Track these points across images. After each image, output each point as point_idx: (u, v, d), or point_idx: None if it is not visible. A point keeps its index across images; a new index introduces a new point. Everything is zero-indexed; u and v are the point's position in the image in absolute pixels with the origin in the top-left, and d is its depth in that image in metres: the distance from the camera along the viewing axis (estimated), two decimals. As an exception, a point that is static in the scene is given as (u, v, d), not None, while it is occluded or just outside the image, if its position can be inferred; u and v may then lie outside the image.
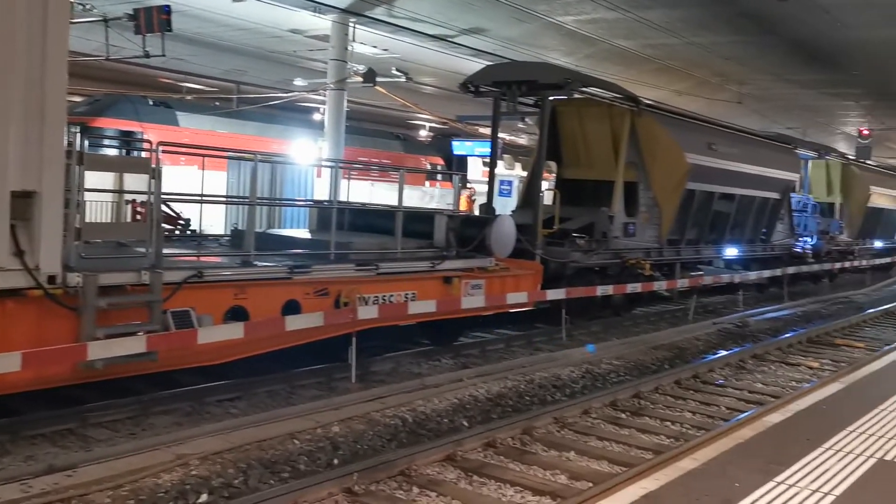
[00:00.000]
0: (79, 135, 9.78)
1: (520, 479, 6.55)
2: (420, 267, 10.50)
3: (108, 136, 16.60)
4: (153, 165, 7.43)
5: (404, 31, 20.12)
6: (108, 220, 11.53)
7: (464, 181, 22.50)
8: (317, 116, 23.35)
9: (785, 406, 7.58)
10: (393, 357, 10.58)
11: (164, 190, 7.79)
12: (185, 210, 12.25)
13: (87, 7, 14.93)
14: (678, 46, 22.66)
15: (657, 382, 10.04)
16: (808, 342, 13.95)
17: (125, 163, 11.91)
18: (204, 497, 5.89)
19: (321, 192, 18.29)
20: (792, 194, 21.39)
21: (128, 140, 16.15)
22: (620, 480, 5.81)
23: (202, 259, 8.94)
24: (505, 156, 32.06)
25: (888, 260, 28.68)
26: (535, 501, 6.16)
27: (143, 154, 10.69)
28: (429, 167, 25.37)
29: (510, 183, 24.56)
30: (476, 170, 29.07)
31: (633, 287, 13.99)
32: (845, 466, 5.76)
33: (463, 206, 24.15)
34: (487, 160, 18.84)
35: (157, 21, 13.70)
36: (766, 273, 19.12)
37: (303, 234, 11.98)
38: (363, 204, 13.61)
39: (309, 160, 17.35)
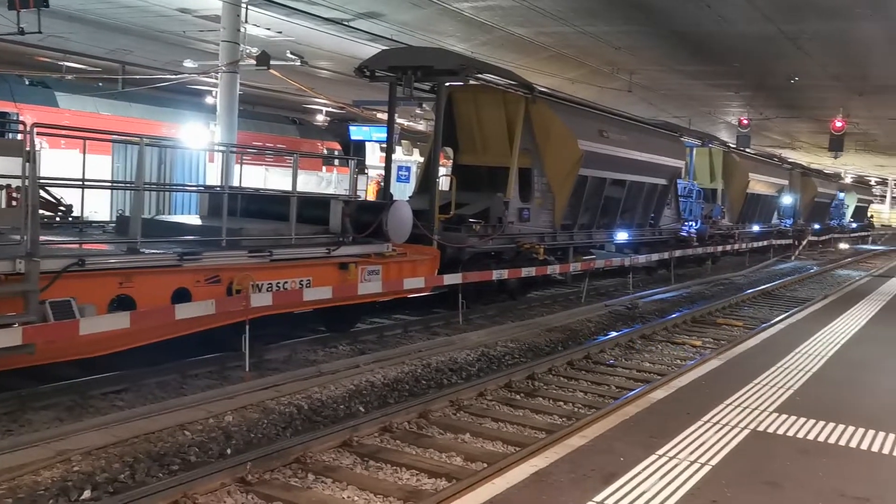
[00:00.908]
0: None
1: (416, 463, 6.60)
2: (315, 253, 10.37)
3: (-21, 117, 15.59)
4: (27, 148, 7.03)
5: (299, 14, 19.74)
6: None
7: (361, 167, 22.38)
8: (209, 100, 22.65)
9: (668, 383, 7.93)
10: (288, 345, 10.44)
11: (42, 174, 7.39)
12: (68, 196, 11.67)
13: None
14: (571, 35, 23.13)
15: (551, 364, 10.30)
16: (693, 322, 14.61)
17: (-4, 145, 11.21)
18: (87, 493, 5.67)
19: (213, 178, 17.80)
20: (678, 180, 22.25)
21: (1, 121, 15.21)
22: (513, 460, 5.93)
23: (85, 247, 8.55)
24: (403, 141, 31.99)
25: (765, 243, 30.33)
26: (430, 483, 6.22)
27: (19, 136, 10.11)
28: (326, 152, 25.05)
29: (408, 169, 24.56)
30: (374, 155, 28.92)
31: (528, 271, 14.29)
32: (721, 438, 6.09)
33: (371, 193, 24.08)
34: (385, 145, 18.77)
35: (32, -5, 12.91)
36: (655, 256, 19.87)
37: (193, 220, 11.62)
38: (256, 189, 13.32)
39: (200, 144, 16.80)
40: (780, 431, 6.37)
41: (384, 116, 16.16)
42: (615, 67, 27.29)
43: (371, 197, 23.27)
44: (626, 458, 5.49)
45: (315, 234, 10.87)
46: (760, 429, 6.41)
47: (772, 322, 13.03)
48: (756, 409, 7.00)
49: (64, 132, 12.13)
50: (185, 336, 8.52)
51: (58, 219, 10.89)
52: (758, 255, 30.08)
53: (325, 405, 8.12)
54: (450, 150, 16.73)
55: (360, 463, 6.62)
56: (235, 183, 13.24)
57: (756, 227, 30.31)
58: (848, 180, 60.46)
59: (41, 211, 8.86)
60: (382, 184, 20.22)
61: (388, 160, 15.19)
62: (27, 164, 7.03)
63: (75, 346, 7.26)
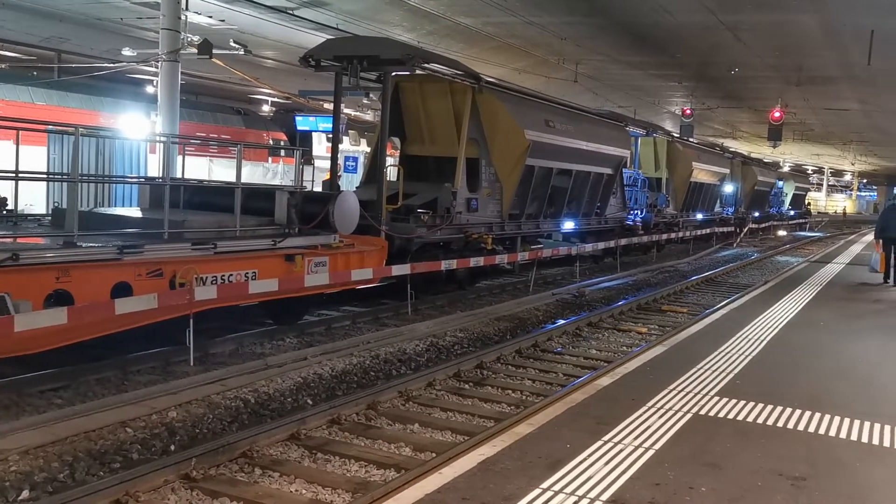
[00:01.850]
0: None
1: (364, 454, 6.58)
2: (261, 245, 10.23)
3: None
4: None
5: (242, 2, 19.42)
6: None
7: (307, 157, 22.12)
8: (149, 89, 22.15)
9: (614, 370, 8.04)
10: (235, 338, 10.29)
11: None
12: (1, 189, 11.29)
13: None
14: (517, 25, 23.23)
15: (499, 352, 10.35)
16: (638, 309, 14.84)
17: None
18: (25, 493, 5.52)
19: (155, 169, 17.43)
20: (623, 170, 22.55)
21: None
22: (461, 450, 5.95)
23: (19, 240, 8.28)
24: (350, 131, 31.75)
25: (708, 231, 30.97)
26: (379, 475, 6.20)
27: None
28: (272, 143, 24.73)
29: (355, 159, 24.40)
30: (321, 146, 28.65)
31: (476, 261, 14.32)
32: (665, 422, 6.20)
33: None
34: (331, 135, 18.59)
35: (-40, -19, 12.44)
36: (601, 245, 20.12)
37: (134, 213, 11.37)
38: (200, 181, 13.08)
39: (140, 135, 16.42)
40: (722, 414, 6.52)
41: (331, 106, 16.01)
42: (561, 58, 27.52)
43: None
44: (573, 445, 5.55)
45: (260, 226, 10.72)
46: (702, 413, 6.54)
47: (715, 308, 13.31)
48: (698, 393, 7.14)
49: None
50: (127, 331, 8.33)
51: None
52: (701, 242, 30.70)
53: (272, 398, 8.03)
54: (397, 141, 16.67)
55: (308, 456, 6.57)
56: (178, 174, 12.97)
57: (699, 216, 30.92)
58: (786, 169, 62.07)
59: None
60: (340, 173, 19.98)
61: (335, 150, 15.05)
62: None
63: (10, 343, 7.02)
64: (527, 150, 15.87)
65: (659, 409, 6.57)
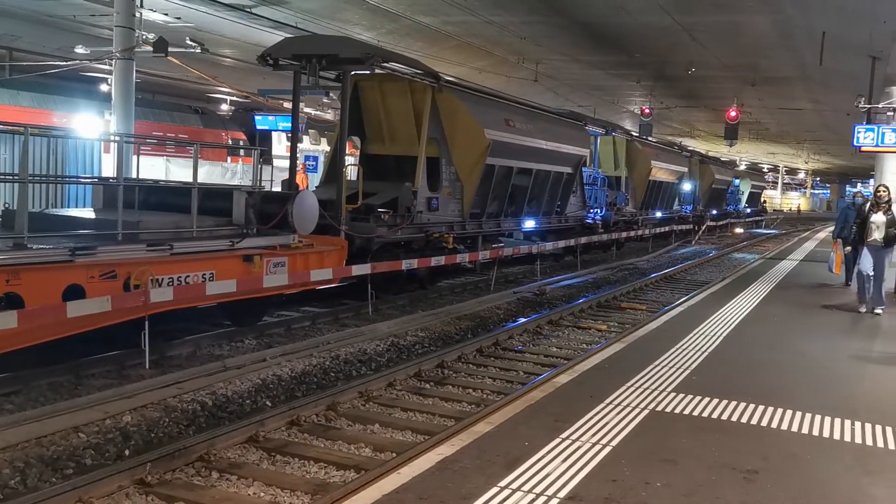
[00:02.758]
0: None
1: (324, 455, 6.54)
2: (218, 246, 10.11)
3: None
4: None
5: (198, -1, 19.18)
6: None
7: (266, 157, 21.93)
8: (104, 87, 21.74)
9: (573, 367, 8.10)
10: (192, 340, 10.15)
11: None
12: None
13: None
14: (477, 24, 23.27)
15: (460, 351, 10.36)
16: (598, 307, 14.97)
17: None
18: (-27, 503, 5.38)
19: (109, 169, 17.13)
20: (583, 168, 22.74)
21: None
22: (419, 449, 5.95)
23: (-33, 243, 8.07)
24: (310, 131, 31.53)
25: (667, 228, 31.37)
26: (338, 476, 6.17)
27: None
28: (230, 142, 24.45)
29: (315, 158, 24.24)
30: (280, 145, 28.42)
31: (437, 260, 14.33)
32: (622, 419, 6.26)
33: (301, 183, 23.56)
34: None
35: None
36: (562, 243, 20.27)
37: (87, 213, 11.15)
38: (156, 181, 12.88)
39: (94, 134, 16.11)
40: (678, 410, 6.60)
41: (290, 105, 15.87)
42: (521, 57, 27.64)
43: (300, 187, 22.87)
44: (531, 443, 5.58)
45: (218, 227, 10.59)
46: (659, 409, 6.62)
47: (673, 305, 13.49)
48: (656, 389, 7.23)
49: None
50: (81, 334, 8.17)
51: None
52: (660, 240, 31.08)
53: (230, 401, 7.95)
54: (357, 140, 16.60)
55: (266, 458, 6.51)
56: (133, 174, 12.76)
57: (658, 214, 31.31)
58: (743, 167, 63.14)
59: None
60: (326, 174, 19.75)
61: (294, 150, 14.92)
62: None
63: (-42, 348, 6.86)
64: (487, 150, 15.91)
65: (617, 405, 6.64)
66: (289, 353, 9.88)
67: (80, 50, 19.73)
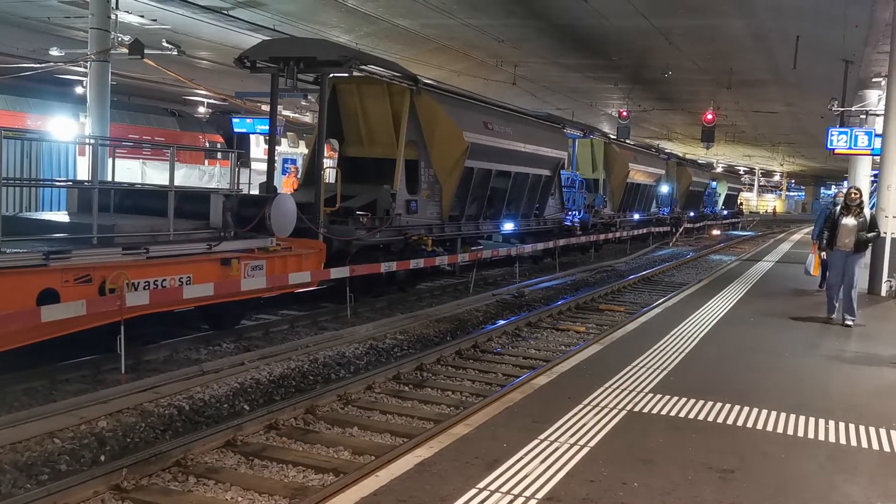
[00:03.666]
0: None
1: (302, 459, 6.51)
2: (195, 249, 10.04)
3: None
4: None
5: (174, 1, 19.03)
6: None
7: (243, 160, 21.82)
8: (79, 90, 21.53)
9: (551, 369, 8.13)
10: (169, 344, 10.06)
11: None
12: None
13: None
14: (455, 27, 23.33)
15: (439, 354, 10.36)
16: (577, 308, 15.04)
17: None
18: (-55, 511, 5.30)
19: (84, 172, 16.95)
20: (562, 171, 22.83)
21: None
22: (398, 452, 5.94)
23: (-62, 247, 7.96)
24: (289, 133, 31.43)
25: (645, 231, 31.57)
26: (317, 479, 6.15)
27: None
28: (207, 145, 24.30)
29: (294, 161, 24.16)
30: (258, 148, 28.30)
31: (416, 263, 14.32)
32: (600, 420, 6.29)
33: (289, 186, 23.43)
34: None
35: None
36: (540, 246, 20.33)
37: (62, 217, 11.03)
38: (131, 184, 12.76)
39: (69, 137, 15.95)
40: (655, 411, 6.65)
41: (268, 108, 15.80)
42: (499, 60, 27.74)
43: (288, 190, 22.74)
44: (509, 444, 5.59)
45: (195, 230, 10.52)
46: (637, 409, 6.66)
47: (651, 306, 13.57)
48: (633, 390, 7.27)
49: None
50: (55, 339, 8.07)
51: None
52: (638, 242, 31.28)
53: (208, 405, 7.89)
54: (335, 142, 16.56)
55: (244, 462, 6.47)
56: (109, 177, 12.64)
57: (636, 216, 31.49)
58: (720, 170, 63.74)
59: None
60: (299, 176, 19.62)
61: (272, 152, 14.87)
62: None
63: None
64: (466, 152, 15.94)
65: (595, 406, 6.67)
66: (267, 356, 9.83)
67: (54, 52, 19.52)
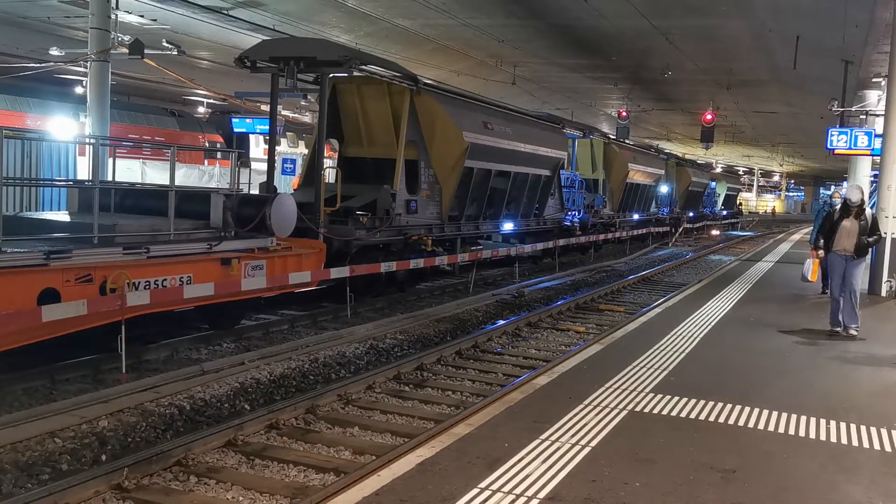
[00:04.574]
0: None
1: (303, 459, 6.51)
2: (196, 249, 10.04)
3: None
4: None
5: (174, 1, 19.04)
6: None
7: (243, 159, 21.82)
8: (79, 90, 21.54)
9: (552, 369, 8.13)
10: (169, 344, 10.06)
11: None
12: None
13: None
14: (456, 27, 23.34)
15: (439, 354, 10.36)
16: (577, 308, 15.04)
17: None
18: (-54, 510, 5.30)
19: (84, 172, 16.96)
20: (561, 171, 22.83)
21: None
22: (399, 452, 5.94)
23: (-62, 247, 7.96)
24: (288, 133, 31.43)
25: (644, 231, 31.58)
26: (318, 479, 6.15)
27: None
28: (207, 145, 24.30)
29: (294, 161, 24.16)
30: (258, 148, 28.31)
31: (416, 263, 14.32)
32: (601, 420, 6.30)
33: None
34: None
35: None
36: (540, 246, 20.33)
37: (62, 217, 11.03)
38: (132, 184, 12.76)
39: (69, 137, 15.96)
40: (656, 411, 6.65)
41: (268, 108, 15.81)
42: (499, 60, 27.75)
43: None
44: (511, 444, 5.59)
45: (195, 230, 10.52)
46: (638, 409, 6.67)
47: (651, 306, 13.57)
48: (634, 390, 7.27)
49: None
50: (56, 339, 8.07)
51: None
52: (637, 242, 31.28)
53: (208, 405, 7.89)
54: (335, 142, 16.56)
55: (245, 462, 6.47)
56: (109, 177, 12.65)
57: (636, 216, 31.49)
58: (719, 170, 63.76)
59: None
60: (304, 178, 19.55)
61: (272, 152, 14.87)
62: None
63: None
64: (465, 152, 15.94)
65: (595, 406, 6.68)
66: (267, 356, 9.83)
67: (54, 52, 19.53)
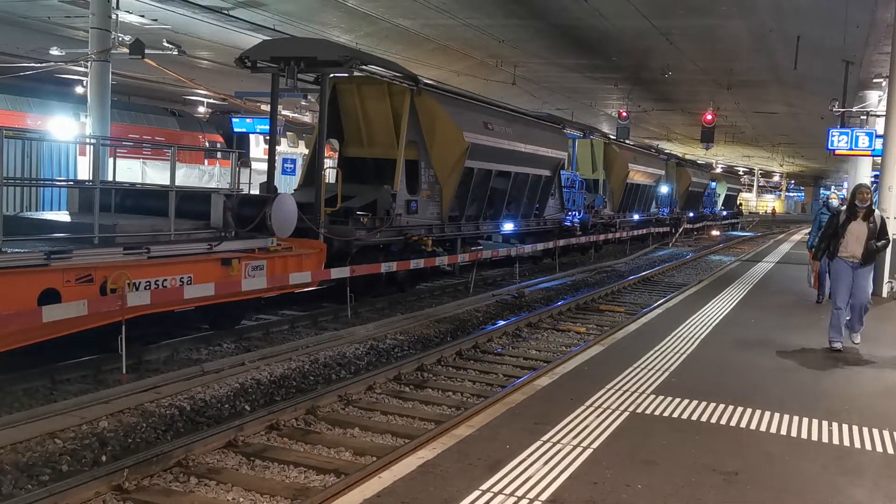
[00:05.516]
0: None
1: (304, 460, 6.50)
2: (196, 249, 10.02)
3: None
4: None
5: (175, 1, 19.03)
6: None
7: (244, 159, 21.80)
8: (79, 90, 21.52)
9: (553, 370, 8.11)
10: (170, 344, 10.05)
11: None
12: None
13: None
14: (456, 27, 23.34)
15: (440, 354, 10.34)
16: (577, 309, 15.02)
17: None
18: (-54, 512, 5.29)
19: (85, 172, 16.95)
20: (561, 171, 22.81)
21: None
22: (400, 453, 5.93)
23: (-62, 247, 7.94)
24: (288, 133, 31.41)
25: (644, 231, 31.56)
26: (318, 480, 6.14)
27: None
28: (207, 145, 24.29)
29: (294, 161, 24.15)
30: (258, 148, 28.29)
31: (417, 263, 14.30)
32: (603, 421, 6.28)
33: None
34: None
35: None
36: (540, 246, 20.31)
37: (63, 217, 11.01)
38: (132, 184, 12.75)
39: (69, 136, 15.95)
40: (657, 412, 6.64)
41: (268, 108, 15.80)
42: (499, 60, 27.75)
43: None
44: (512, 446, 5.58)
45: (196, 230, 10.51)
46: (639, 411, 6.65)
47: (651, 307, 13.55)
48: (635, 391, 7.26)
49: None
50: (56, 339, 8.06)
51: None
52: (638, 242, 31.27)
53: (208, 405, 7.88)
54: (335, 143, 16.55)
55: (245, 463, 6.45)
56: (109, 177, 12.64)
57: (636, 216, 31.48)
58: (719, 170, 63.76)
59: None
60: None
61: (272, 152, 14.86)
62: None
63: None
64: (466, 152, 15.93)
65: (597, 408, 6.66)
66: (267, 356, 9.82)
67: (55, 52, 19.52)
